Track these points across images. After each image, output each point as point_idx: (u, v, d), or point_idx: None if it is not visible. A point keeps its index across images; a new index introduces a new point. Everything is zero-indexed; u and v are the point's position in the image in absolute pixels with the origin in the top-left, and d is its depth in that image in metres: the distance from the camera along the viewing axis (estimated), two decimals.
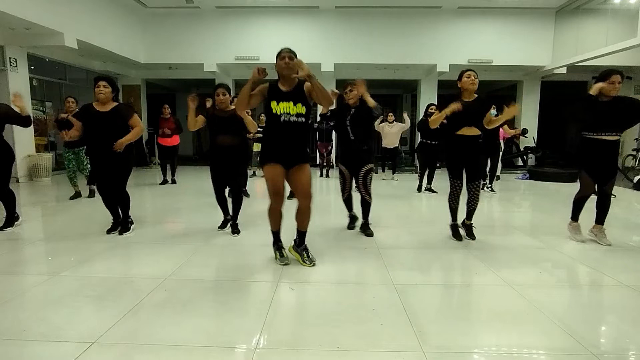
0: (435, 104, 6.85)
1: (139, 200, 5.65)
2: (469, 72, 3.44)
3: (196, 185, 7.38)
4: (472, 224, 3.73)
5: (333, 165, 9.61)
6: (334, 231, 4.01)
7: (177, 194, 6.49)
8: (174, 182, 7.41)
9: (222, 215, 4.00)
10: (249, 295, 2.47)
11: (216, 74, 10.42)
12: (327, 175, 8.70)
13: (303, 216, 2.93)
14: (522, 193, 7.11)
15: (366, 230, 3.86)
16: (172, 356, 1.77)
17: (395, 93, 14.54)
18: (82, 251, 3.28)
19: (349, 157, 3.86)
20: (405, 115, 7.82)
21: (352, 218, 4.14)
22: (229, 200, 3.96)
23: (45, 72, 8.84)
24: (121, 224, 3.84)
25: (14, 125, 4.14)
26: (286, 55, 2.70)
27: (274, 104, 2.75)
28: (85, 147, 4.73)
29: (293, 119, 2.75)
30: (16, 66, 7.33)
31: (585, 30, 9.13)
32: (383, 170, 8.78)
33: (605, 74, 3.33)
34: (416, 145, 7.42)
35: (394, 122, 7.75)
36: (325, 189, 7.33)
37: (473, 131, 3.47)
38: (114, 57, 9.49)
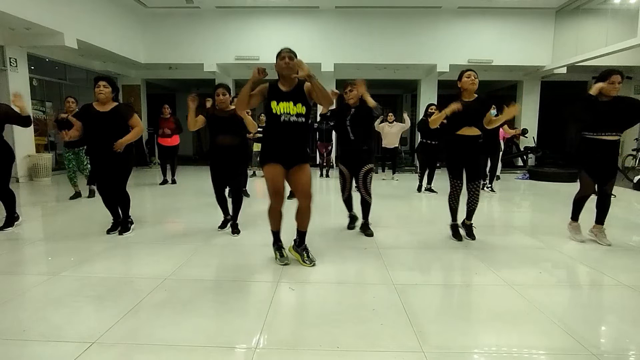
0: (435, 104, 6.87)
1: (139, 200, 5.65)
2: (469, 72, 3.44)
3: (196, 185, 7.37)
4: (472, 224, 3.73)
5: (333, 165, 9.61)
6: (334, 231, 4.01)
7: (177, 194, 6.48)
8: (174, 182, 7.41)
9: (222, 215, 4.00)
10: (249, 295, 2.47)
11: (216, 74, 10.42)
12: (327, 175, 8.70)
13: (303, 216, 2.93)
14: (522, 193, 7.11)
15: (366, 230, 3.85)
16: (172, 356, 1.77)
17: (395, 93, 14.54)
18: (82, 251, 3.28)
19: (349, 157, 3.86)
20: (405, 115, 7.82)
21: (352, 218, 4.14)
22: (229, 200, 3.97)
23: (45, 72, 8.84)
24: (121, 224, 3.84)
25: (14, 125, 4.14)
26: (286, 55, 2.70)
27: (274, 104, 2.75)
28: (85, 147, 4.73)
29: (293, 119, 2.76)
30: (16, 66, 7.33)
31: (585, 30, 9.13)
32: (383, 170, 8.77)
33: (605, 74, 3.33)
34: (416, 145, 7.42)
35: (394, 122, 7.75)
36: (325, 189, 7.32)
37: (473, 131, 3.47)
38: (114, 57, 9.49)
